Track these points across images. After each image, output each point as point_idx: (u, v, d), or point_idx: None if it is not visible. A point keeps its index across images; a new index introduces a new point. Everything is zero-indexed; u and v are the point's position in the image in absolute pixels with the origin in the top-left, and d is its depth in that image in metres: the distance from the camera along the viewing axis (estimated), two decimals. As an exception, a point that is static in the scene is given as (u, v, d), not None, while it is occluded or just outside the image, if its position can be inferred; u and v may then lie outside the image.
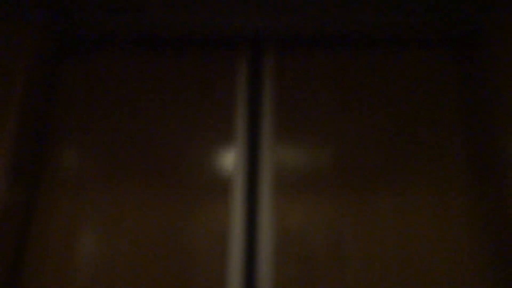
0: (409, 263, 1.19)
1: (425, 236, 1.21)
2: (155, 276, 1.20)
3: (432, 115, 1.34)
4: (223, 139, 1.33)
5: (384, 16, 1.29)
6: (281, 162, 1.30)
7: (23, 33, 1.26)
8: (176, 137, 1.34)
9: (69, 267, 1.21)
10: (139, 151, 1.32)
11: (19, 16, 1.27)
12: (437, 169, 1.28)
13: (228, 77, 1.40)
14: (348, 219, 1.24)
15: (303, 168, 1.29)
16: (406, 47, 1.41)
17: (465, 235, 1.21)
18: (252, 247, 1.22)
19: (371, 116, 1.34)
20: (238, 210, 1.25)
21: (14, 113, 1.18)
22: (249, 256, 1.22)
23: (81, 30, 1.36)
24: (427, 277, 1.18)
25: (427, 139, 1.31)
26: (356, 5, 1.27)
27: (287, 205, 1.25)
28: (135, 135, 1.34)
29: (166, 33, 1.36)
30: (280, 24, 1.32)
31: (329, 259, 1.20)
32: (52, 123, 1.36)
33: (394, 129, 1.33)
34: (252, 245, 1.23)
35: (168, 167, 1.30)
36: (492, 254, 1.19)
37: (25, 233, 1.23)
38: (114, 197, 1.27)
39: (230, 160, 1.31)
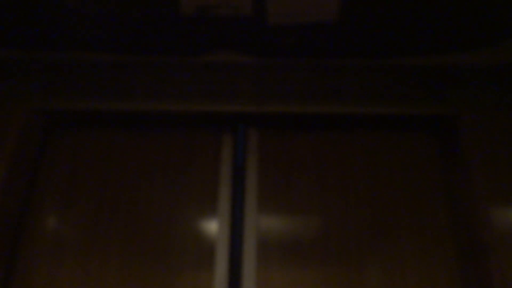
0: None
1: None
2: None
3: (415, 188, 1.37)
4: (207, 210, 1.34)
5: (365, 106, 1.37)
6: (264, 232, 1.30)
7: (10, 114, 1.29)
8: (161, 208, 1.34)
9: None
10: (124, 222, 1.32)
11: (7, 96, 1.31)
12: (422, 239, 1.29)
13: (212, 151, 1.43)
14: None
15: (287, 238, 1.30)
16: (388, 126, 1.46)
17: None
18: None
19: (355, 190, 1.37)
20: (221, 279, 1.24)
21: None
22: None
23: (69, 110, 1.39)
24: None
25: (410, 211, 1.33)
26: (335, 96, 1.37)
27: (270, 274, 1.25)
28: (119, 206, 1.35)
29: (152, 114, 1.41)
30: (262, 109, 1.38)
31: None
32: (36, 192, 1.37)
33: (378, 202, 1.35)
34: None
35: (152, 236, 1.30)
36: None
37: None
38: (95, 265, 1.26)
39: (214, 230, 1.32)
